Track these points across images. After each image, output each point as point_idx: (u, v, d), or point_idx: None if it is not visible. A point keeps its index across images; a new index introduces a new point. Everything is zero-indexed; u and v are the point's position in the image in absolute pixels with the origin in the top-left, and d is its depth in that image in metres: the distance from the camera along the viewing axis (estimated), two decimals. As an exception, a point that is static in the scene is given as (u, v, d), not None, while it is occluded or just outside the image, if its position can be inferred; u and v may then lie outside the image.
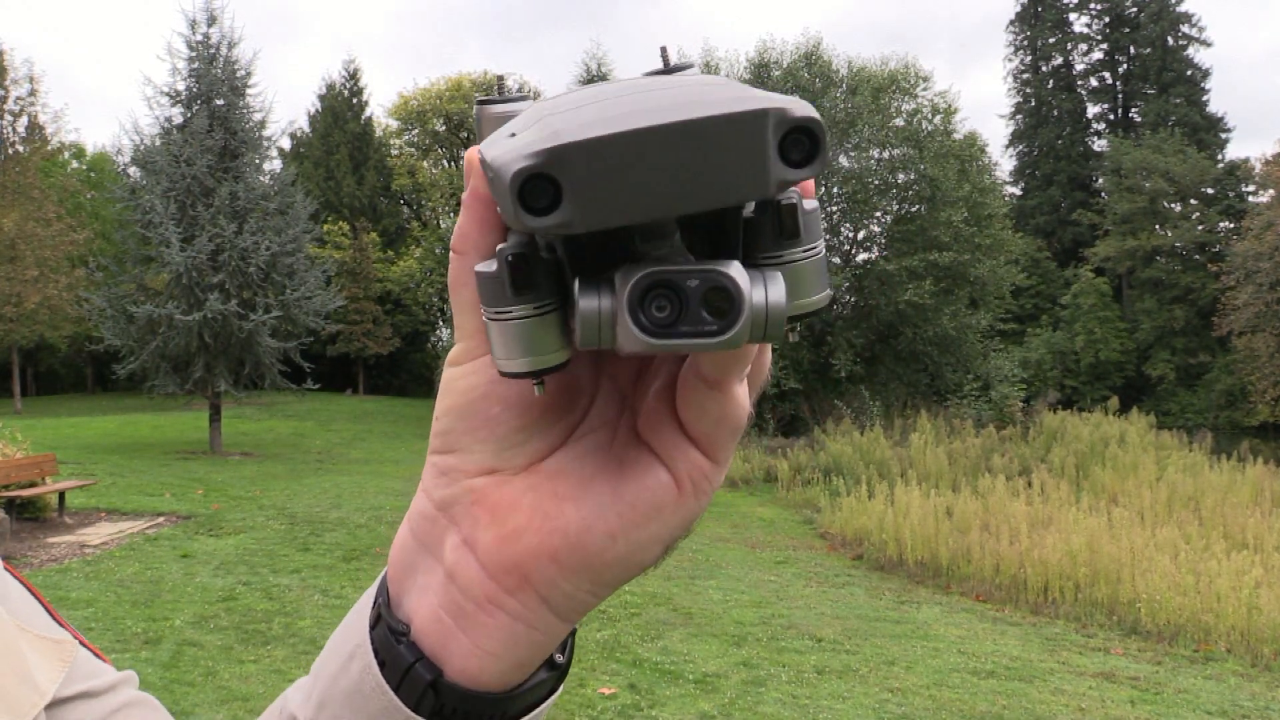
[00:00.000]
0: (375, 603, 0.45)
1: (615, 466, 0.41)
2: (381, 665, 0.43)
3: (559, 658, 0.46)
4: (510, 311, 0.34)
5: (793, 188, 0.33)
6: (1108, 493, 16.43)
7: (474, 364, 0.41)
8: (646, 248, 0.33)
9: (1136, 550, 10.37)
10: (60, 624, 0.58)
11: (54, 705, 0.52)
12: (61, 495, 11.59)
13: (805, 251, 0.34)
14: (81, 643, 0.57)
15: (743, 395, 0.39)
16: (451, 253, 0.40)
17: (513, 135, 0.33)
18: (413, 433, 29.34)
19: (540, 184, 0.29)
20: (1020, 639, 8.42)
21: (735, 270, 0.30)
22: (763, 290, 0.31)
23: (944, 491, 15.18)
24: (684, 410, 0.39)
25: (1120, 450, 20.21)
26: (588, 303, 0.31)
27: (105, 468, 16.36)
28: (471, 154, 0.38)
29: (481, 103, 0.40)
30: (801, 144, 0.30)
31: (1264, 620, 8.59)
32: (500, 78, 0.42)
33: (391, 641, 0.43)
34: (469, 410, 0.41)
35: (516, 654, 0.42)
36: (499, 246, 0.34)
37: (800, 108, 0.30)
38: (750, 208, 0.34)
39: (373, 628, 0.45)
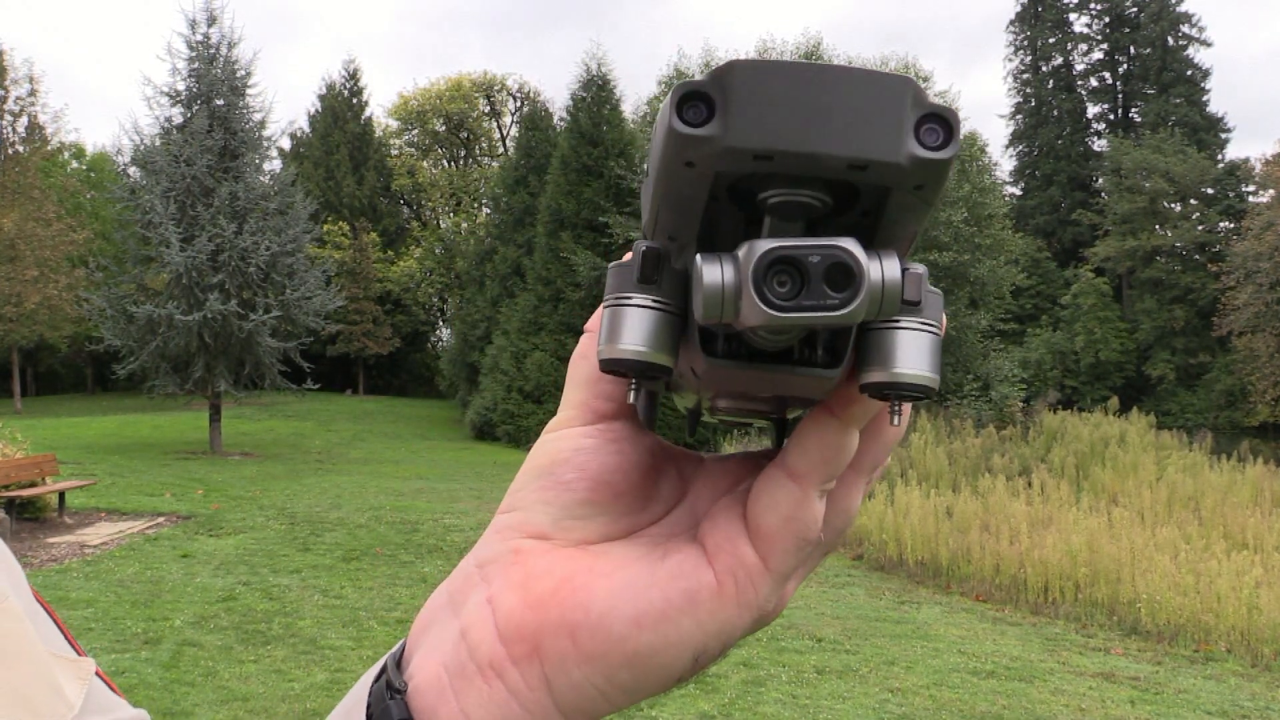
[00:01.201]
0: (386, 658, 0.44)
1: (656, 556, 0.39)
2: None
3: None
4: (631, 298, 0.36)
5: (917, 263, 0.34)
6: (1108, 493, 16.44)
7: (567, 431, 0.41)
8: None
9: (1136, 550, 10.37)
10: (75, 649, 0.58)
11: None
12: (61, 495, 11.60)
13: (922, 324, 0.35)
14: (97, 673, 0.57)
15: (819, 507, 0.38)
16: (585, 331, 0.41)
17: None
18: (412, 433, 29.35)
19: (697, 101, 0.31)
20: (1020, 639, 8.42)
21: (855, 247, 0.32)
22: (879, 267, 0.32)
23: (944, 491, 15.17)
24: (754, 500, 0.38)
25: (1120, 450, 20.22)
26: (712, 273, 0.32)
27: (105, 468, 16.37)
28: (633, 247, 0.41)
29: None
30: (935, 133, 0.32)
31: (1264, 620, 8.59)
32: None
33: (384, 697, 0.41)
34: (545, 471, 0.41)
35: None
36: (636, 242, 0.36)
37: (938, 100, 0.32)
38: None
39: (375, 681, 0.43)
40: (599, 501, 0.40)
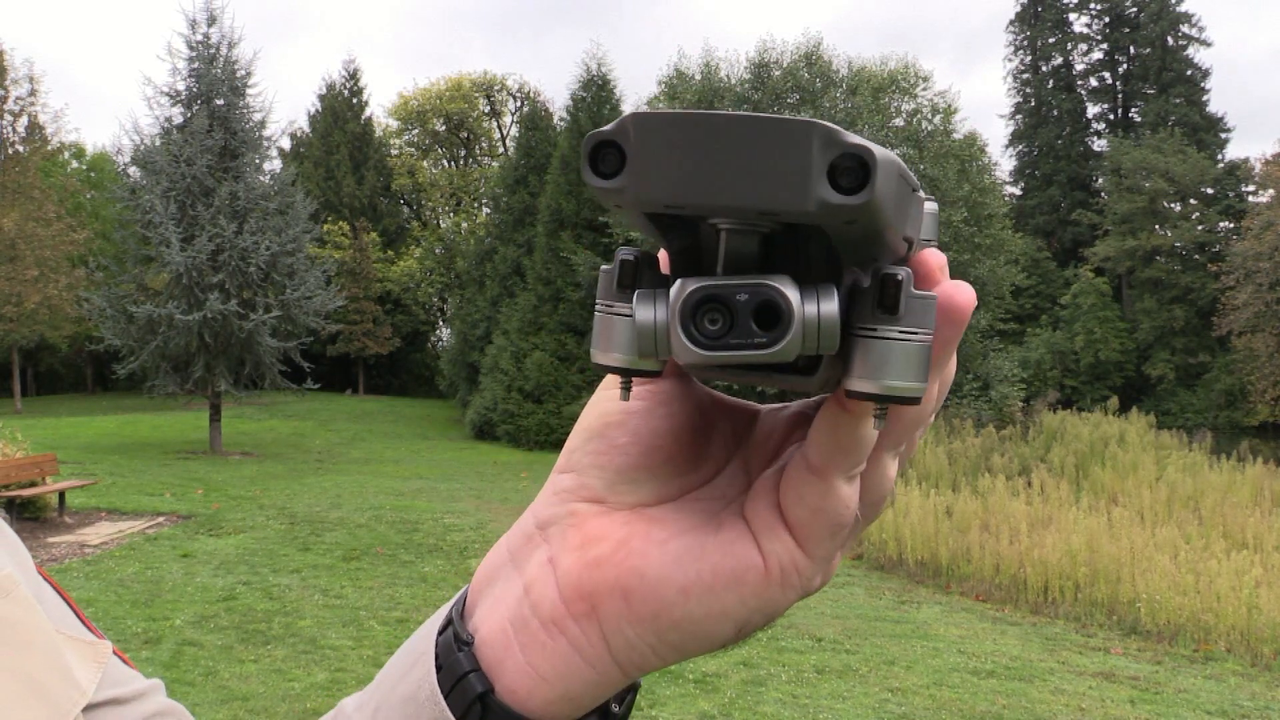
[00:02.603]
0: (449, 610, 0.45)
1: (710, 529, 0.40)
2: (439, 671, 0.43)
3: (615, 708, 0.45)
4: (613, 306, 0.36)
5: (904, 267, 0.34)
6: (1108, 492, 16.44)
7: (616, 391, 0.41)
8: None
9: (1136, 550, 10.36)
10: (89, 628, 0.58)
11: (86, 709, 0.52)
12: (61, 495, 11.60)
13: (903, 333, 0.33)
14: (114, 652, 0.57)
15: (847, 494, 0.38)
16: None
17: None
18: (413, 433, 29.34)
19: (610, 151, 0.31)
20: (1020, 639, 8.42)
21: (785, 284, 0.31)
22: (815, 304, 0.32)
23: (944, 491, 15.16)
24: (784, 494, 0.39)
25: (1120, 450, 20.22)
26: (643, 313, 0.33)
27: (105, 468, 16.37)
28: None
29: None
30: (853, 173, 0.31)
31: (1264, 620, 8.59)
32: None
33: (453, 648, 0.43)
34: (598, 433, 0.42)
35: (567, 685, 0.41)
36: (619, 248, 0.37)
37: (854, 137, 0.31)
38: (865, 279, 0.34)
39: (440, 633, 0.44)
40: (650, 466, 0.41)
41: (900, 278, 0.33)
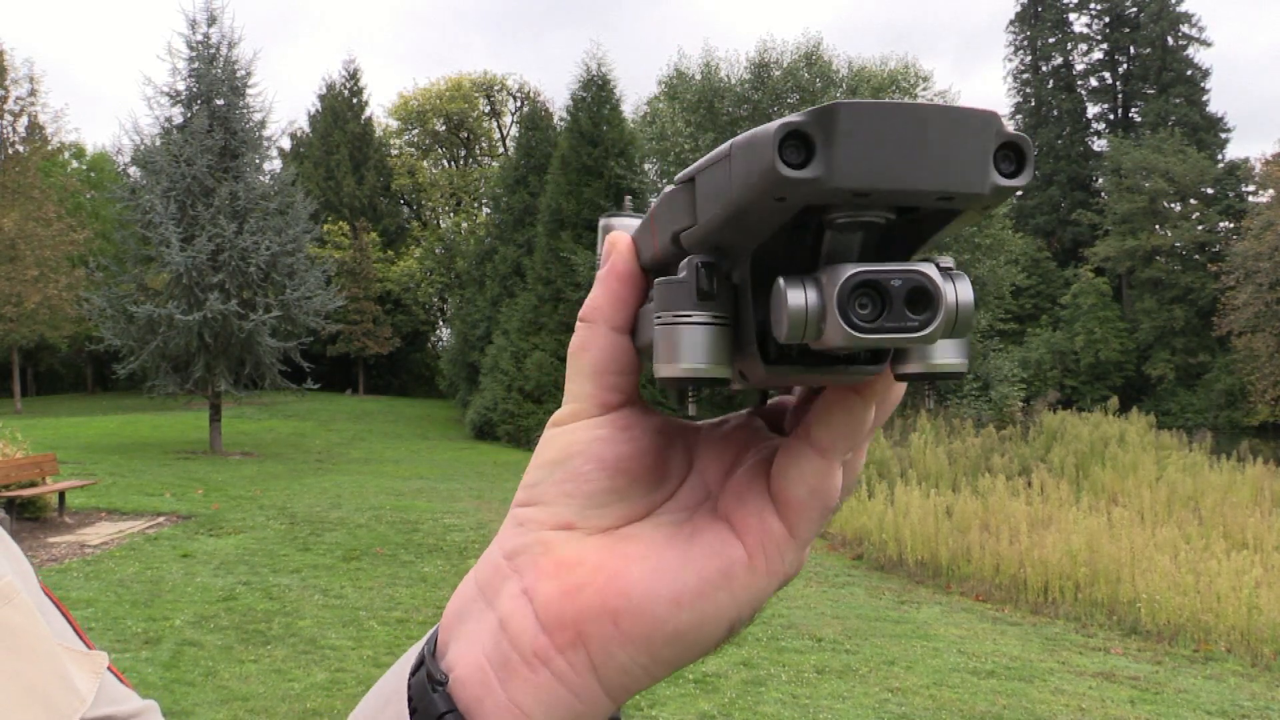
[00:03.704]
0: (421, 649, 0.44)
1: (687, 536, 0.40)
2: (413, 713, 0.42)
3: None
4: (690, 316, 0.36)
5: (947, 258, 0.36)
6: (1108, 493, 16.44)
7: (579, 424, 0.42)
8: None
9: (1136, 550, 10.37)
10: (85, 642, 0.58)
11: None
12: (61, 495, 11.60)
13: None
14: (109, 667, 0.57)
15: (839, 477, 0.39)
16: (579, 321, 0.42)
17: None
18: (413, 433, 29.35)
19: (796, 141, 0.31)
20: (1020, 639, 8.42)
21: (932, 271, 0.33)
22: (953, 290, 0.34)
23: (944, 491, 15.16)
24: (781, 474, 0.39)
25: (1120, 450, 20.22)
26: (795, 296, 0.33)
27: (105, 468, 16.37)
28: (616, 237, 0.42)
29: (609, 216, 0.45)
30: (1010, 158, 0.33)
31: (1264, 620, 8.59)
32: (628, 194, 0.45)
33: (427, 689, 0.42)
34: (561, 464, 0.41)
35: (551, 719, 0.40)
36: (688, 258, 0.37)
37: (1011, 127, 0.33)
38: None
39: (413, 674, 0.43)
40: (618, 489, 0.41)
41: (950, 264, 0.35)
